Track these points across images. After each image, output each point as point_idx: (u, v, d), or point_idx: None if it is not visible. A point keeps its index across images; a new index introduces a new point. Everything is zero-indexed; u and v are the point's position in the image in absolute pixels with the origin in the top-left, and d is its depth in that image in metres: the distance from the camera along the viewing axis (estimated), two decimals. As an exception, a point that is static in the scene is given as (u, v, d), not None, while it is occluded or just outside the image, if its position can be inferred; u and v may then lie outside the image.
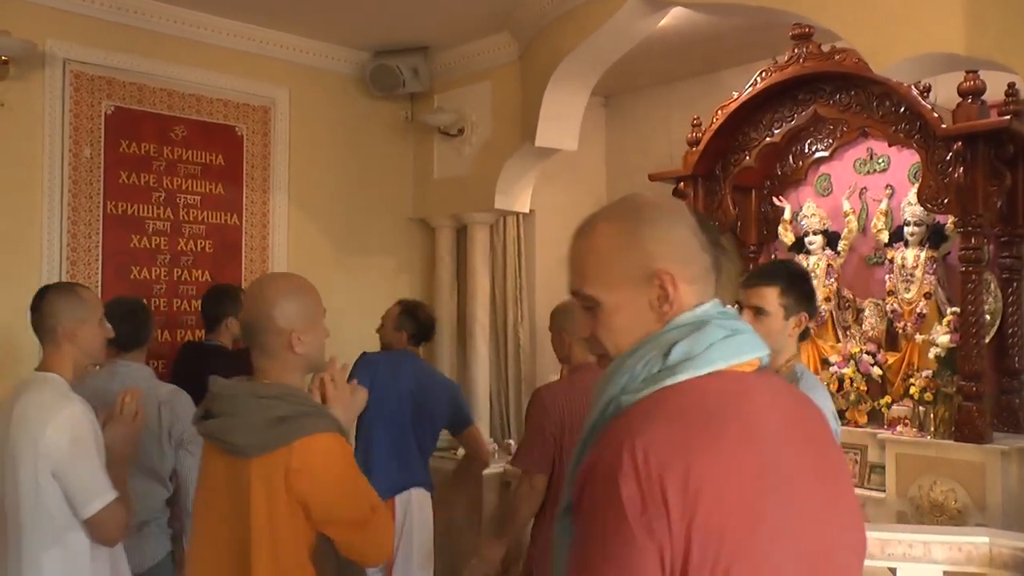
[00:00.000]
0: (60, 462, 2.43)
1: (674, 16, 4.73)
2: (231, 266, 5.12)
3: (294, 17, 5.07)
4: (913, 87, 4.46)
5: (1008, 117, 4.29)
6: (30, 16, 4.41)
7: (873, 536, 3.53)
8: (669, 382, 1.19)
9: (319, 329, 2.10)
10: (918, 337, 4.87)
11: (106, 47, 4.68)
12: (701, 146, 5.44)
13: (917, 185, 4.74)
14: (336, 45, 5.53)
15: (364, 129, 5.77)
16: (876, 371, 4.99)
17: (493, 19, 5.08)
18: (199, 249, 5.01)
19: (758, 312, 2.49)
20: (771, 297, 2.49)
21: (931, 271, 4.89)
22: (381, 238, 5.82)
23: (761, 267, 2.66)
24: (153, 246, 4.86)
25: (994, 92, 4.43)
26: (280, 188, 5.35)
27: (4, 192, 4.37)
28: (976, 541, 3.44)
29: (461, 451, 4.93)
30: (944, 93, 4.57)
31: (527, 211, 5.81)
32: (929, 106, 4.48)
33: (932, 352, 4.64)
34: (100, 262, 4.64)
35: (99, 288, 4.60)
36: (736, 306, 2.47)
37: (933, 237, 4.91)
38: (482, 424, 5.60)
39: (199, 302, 4.85)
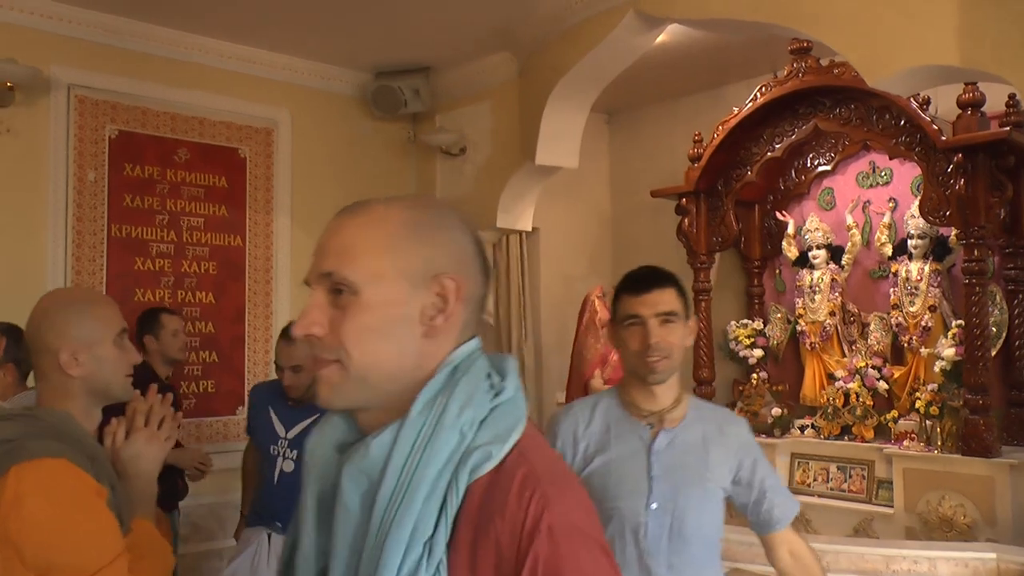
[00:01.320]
0: None
1: (675, 32, 4.75)
2: (234, 287, 5.15)
3: (295, 39, 5.12)
4: (912, 99, 4.45)
5: (1008, 128, 4.26)
6: (35, 43, 4.48)
7: (877, 552, 3.50)
8: (520, 429, 1.02)
9: (107, 350, 1.74)
10: (924, 351, 4.84)
11: (109, 72, 4.74)
12: (703, 162, 5.44)
13: (919, 197, 4.72)
14: (337, 66, 5.58)
15: (366, 149, 5.81)
16: (882, 385, 4.96)
17: (493, 39, 5.11)
18: (202, 271, 5.04)
19: (667, 319, 2.03)
20: (675, 300, 2.07)
21: (935, 284, 4.85)
22: (385, 258, 5.84)
23: (642, 271, 2.13)
24: (157, 268, 4.90)
25: (995, 103, 4.42)
26: (283, 209, 5.38)
27: (10, 216, 4.42)
28: (983, 557, 3.40)
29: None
30: (945, 105, 4.56)
31: (530, 229, 5.82)
32: (928, 118, 4.46)
33: (938, 365, 4.60)
34: (104, 285, 4.68)
35: (104, 310, 4.63)
36: (630, 320, 2.03)
37: (937, 250, 4.88)
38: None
39: (203, 324, 4.90)
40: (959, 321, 4.57)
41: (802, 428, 5.28)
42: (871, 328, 5.21)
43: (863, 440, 4.97)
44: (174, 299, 4.93)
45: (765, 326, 5.67)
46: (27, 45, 4.44)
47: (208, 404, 5.05)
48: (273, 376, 4.00)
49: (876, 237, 5.18)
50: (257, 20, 4.79)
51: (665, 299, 2.04)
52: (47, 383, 1.73)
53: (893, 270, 5.05)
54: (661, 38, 4.70)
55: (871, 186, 5.33)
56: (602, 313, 4.75)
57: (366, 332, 1.01)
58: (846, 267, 5.31)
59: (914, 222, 4.87)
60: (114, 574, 1.55)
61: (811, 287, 5.38)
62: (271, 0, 4.52)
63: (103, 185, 4.73)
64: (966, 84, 4.26)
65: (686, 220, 5.61)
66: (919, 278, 4.89)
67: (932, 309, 4.84)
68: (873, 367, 5.02)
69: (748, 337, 5.59)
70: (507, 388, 1.04)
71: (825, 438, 5.13)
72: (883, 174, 5.27)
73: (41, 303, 1.77)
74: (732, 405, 5.53)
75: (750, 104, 5.23)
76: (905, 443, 4.71)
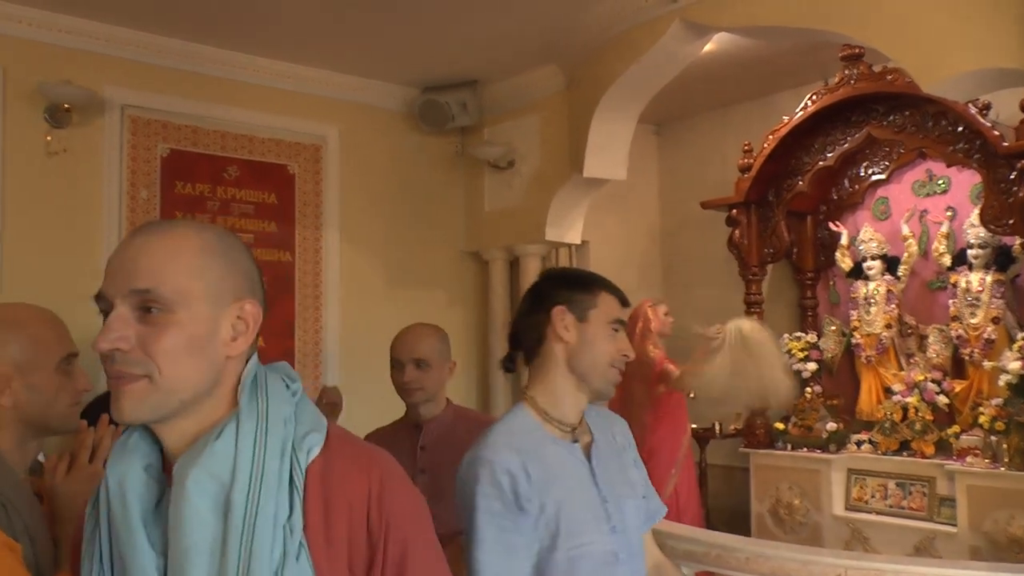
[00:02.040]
0: None
1: (723, 41, 4.69)
2: (284, 303, 5.19)
3: (343, 56, 5.16)
4: (971, 104, 4.33)
5: (1074, 132, 4.12)
6: (89, 65, 4.57)
7: (940, 572, 3.36)
8: (324, 419, 1.19)
9: (45, 378, 1.56)
10: (986, 364, 4.67)
11: (161, 92, 4.82)
12: (753, 172, 5.35)
13: (980, 206, 4.58)
14: (385, 82, 5.60)
15: (414, 164, 5.82)
16: (942, 399, 4.81)
17: (540, 51, 5.09)
18: (252, 286, 5.09)
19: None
20: None
21: (998, 295, 4.70)
22: (433, 271, 5.84)
23: (604, 278, 1.94)
24: (208, 284, 4.94)
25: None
26: (332, 224, 5.41)
27: (66, 234, 4.50)
28: (1054, 579, 3.25)
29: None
30: (1007, 110, 4.42)
31: (579, 242, 5.78)
32: (989, 124, 4.33)
33: (1002, 379, 4.43)
34: (157, 301, 4.73)
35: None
36: (618, 324, 1.86)
37: (999, 259, 4.73)
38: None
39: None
40: (1024, 333, 4.43)
41: (858, 443, 5.15)
42: (930, 341, 5.06)
43: (923, 456, 4.82)
44: (225, 315, 4.97)
45: (819, 339, 5.55)
46: (82, 67, 4.53)
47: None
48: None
49: (934, 247, 5.04)
50: (305, 38, 4.83)
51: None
52: None
53: (952, 281, 4.90)
54: (708, 47, 4.64)
55: (928, 195, 5.20)
56: (655, 322, 4.73)
57: (179, 350, 1.08)
58: (902, 278, 5.17)
59: (974, 231, 4.73)
60: None
61: (866, 299, 5.25)
62: (318, 18, 4.56)
63: (155, 203, 4.80)
64: (1028, 87, 4.13)
65: (737, 231, 5.52)
66: (980, 289, 4.74)
67: (995, 321, 4.68)
68: (932, 381, 4.88)
69: (801, 350, 5.48)
70: (299, 388, 1.20)
71: (883, 454, 4.99)
72: (940, 182, 5.13)
73: None
74: (786, 420, 5.42)
75: (801, 112, 5.15)
76: (968, 459, 4.55)
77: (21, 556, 1.36)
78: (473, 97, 5.61)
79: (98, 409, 1.67)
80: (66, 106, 4.44)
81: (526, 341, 1.86)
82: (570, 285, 1.87)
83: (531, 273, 5.71)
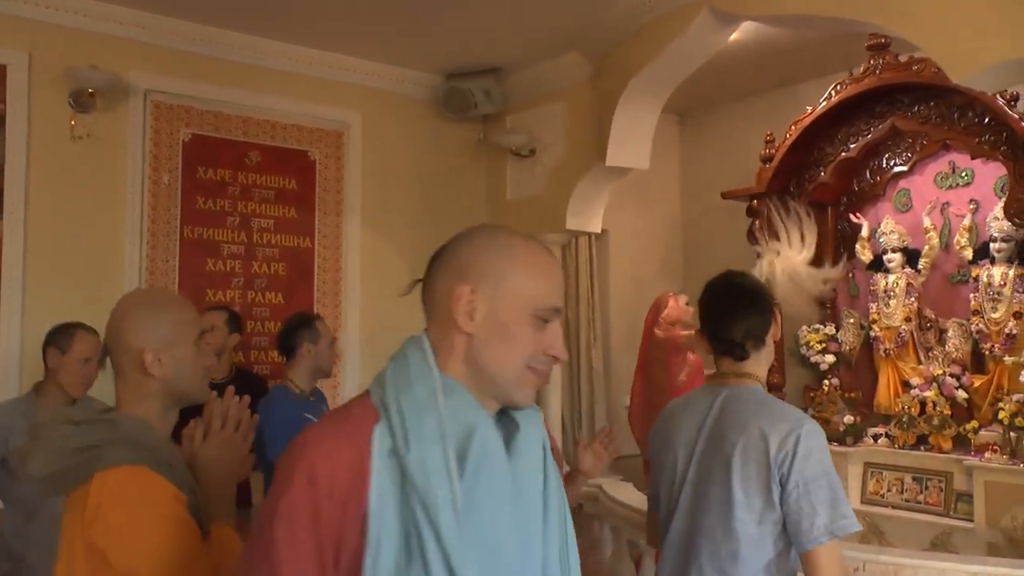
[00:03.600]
0: None
1: (748, 30, 4.66)
2: (304, 289, 5.21)
3: (367, 43, 5.15)
4: (999, 96, 4.29)
5: (1102, 127, 4.08)
6: (115, 50, 4.58)
7: (957, 568, 3.35)
8: None
9: (186, 351, 1.74)
10: (1008, 359, 4.65)
11: (185, 77, 4.83)
12: (775, 162, 5.33)
13: (1004, 199, 4.54)
14: (409, 69, 5.59)
15: (437, 151, 5.81)
16: (961, 394, 4.79)
17: (565, 39, 5.06)
18: (272, 272, 5.11)
19: None
20: None
21: (1021, 290, 4.67)
22: (453, 259, 5.83)
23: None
24: (228, 269, 4.97)
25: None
26: (353, 211, 5.42)
27: (91, 218, 4.52)
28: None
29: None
30: (1035, 103, 4.38)
31: (599, 231, 5.76)
32: (1017, 116, 4.29)
33: None
34: (177, 284, 4.76)
35: (177, 310, 4.72)
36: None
37: (1023, 253, 4.69)
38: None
39: (272, 324, 4.95)
40: (1047, 328, 4.40)
41: (875, 437, 5.14)
42: (949, 335, 5.04)
43: (940, 451, 4.81)
44: (244, 300, 5.00)
45: (837, 331, 5.53)
46: (108, 53, 4.53)
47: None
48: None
49: (955, 240, 5.01)
50: (328, 24, 4.83)
51: None
52: (125, 383, 1.72)
53: (974, 275, 4.88)
54: (733, 36, 4.60)
55: (950, 187, 5.16)
56: (676, 312, 4.59)
57: None
58: (923, 271, 5.15)
59: (997, 224, 4.70)
60: None
61: (886, 292, 5.23)
62: (343, 4, 4.55)
63: (176, 187, 4.81)
64: (1057, 80, 4.09)
65: (757, 222, 5.50)
66: (1003, 283, 4.71)
67: (1017, 316, 4.65)
68: (951, 375, 4.85)
69: (820, 342, 5.47)
70: None
71: (900, 448, 4.98)
72: (964, 175, 5.09)
73: (123, 303, 1.76)
74: (804, 411, 5.40)
75: (824, 103, 5.12)
76: (987, 455, 4.54)
77: (187, 506, 1.61)
78: (496, 85, 5.59)
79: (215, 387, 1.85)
80: (91, 91, 4.45)
81: (759, 335, 2.20)
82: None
83: (550, 262, 5.68)
